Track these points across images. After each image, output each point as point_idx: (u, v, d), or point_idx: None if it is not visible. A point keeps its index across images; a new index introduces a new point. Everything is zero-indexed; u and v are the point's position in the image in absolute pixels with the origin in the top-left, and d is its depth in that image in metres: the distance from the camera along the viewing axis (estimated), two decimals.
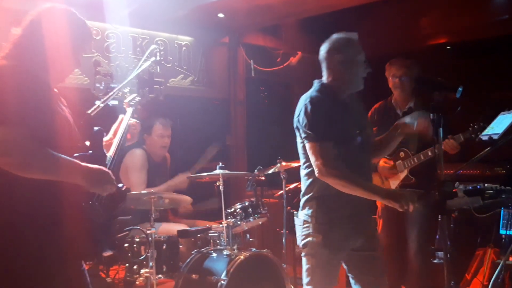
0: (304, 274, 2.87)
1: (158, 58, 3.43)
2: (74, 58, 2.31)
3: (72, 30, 2.27)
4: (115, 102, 3.03)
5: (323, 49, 2.91)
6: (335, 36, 2.91)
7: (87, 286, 2.30)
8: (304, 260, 2.88)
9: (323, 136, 2.72)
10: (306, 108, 2.76)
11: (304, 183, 2.91)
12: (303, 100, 2.83)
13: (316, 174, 2.72)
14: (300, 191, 2.94)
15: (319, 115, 2.74)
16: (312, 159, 2.74)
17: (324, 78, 2.93)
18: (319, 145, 2.72)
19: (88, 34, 2.37)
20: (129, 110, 2.92)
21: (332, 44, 2.89)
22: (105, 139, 2.73)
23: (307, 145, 2.77)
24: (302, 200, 2.91)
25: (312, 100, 2.78)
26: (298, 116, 2.81)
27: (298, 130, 2.83)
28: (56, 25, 2.22)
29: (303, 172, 2.91)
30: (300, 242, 2.88)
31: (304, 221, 2.84)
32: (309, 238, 2.81)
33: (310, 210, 2.83)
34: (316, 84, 2.93)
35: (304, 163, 2.88)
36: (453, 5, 6.13)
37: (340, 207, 2.77)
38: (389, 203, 2.65)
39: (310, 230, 2.81)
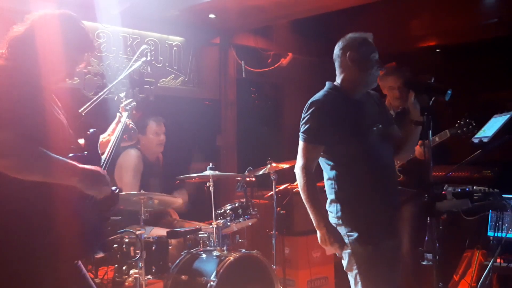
0: (354, 281, 2.77)
1: (148, 58, 3.43)
2: (68, 68, 2.28)
3: (72, 40, 2.24)
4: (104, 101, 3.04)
5: (337, 48, 2.91)
6: (349, 35, 2.90)
7: (84, 280, 2.28)
8: (349, 267, 2.79)
9: (314, 139, 2.79)
10: (307, 109, 2.82)
11: (328, 186, 2.89)
12: (310, 101, 2.85)
13: (295, 169, 2.83)
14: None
15: (316, 119, 2.78)
16: (298, 155, 2.84)
17: (337, 77, 2.93)
18: (306, 146, 2.80)
19: (88, 46, 2.33)
20: (125, 115, 2.92)
21: (346, 43, 2.88)
22: (102, 136, 2.72)
23: (299, 142, 2.84)
24: (328, 202, 2.89)
25: (314, 103, 2.82)
26: (302, 113, 2.85)
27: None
28: (56, 31, 2.19)
29: (326, 175, 2.91)
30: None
31: (335, 224, 2.80)
32: (345, 240, 2.76)
33: (339, 212, 2.80)
34: (327, 85, 2.93)
35: (327, 164, 2.89)
36: (442, 8, 6.17)
37: (366, 204, 2.77)
38: (320, 239, 2.75)
39: (344, 231, 2.77)
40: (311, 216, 2.77)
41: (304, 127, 2.81)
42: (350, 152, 2.79)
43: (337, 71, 2.92)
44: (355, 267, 2.75)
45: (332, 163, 2.84)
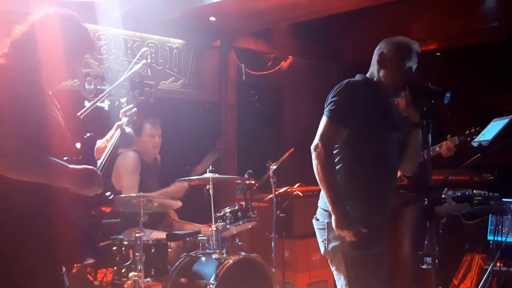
0: (343, 283, 2.71)
1: (149, 60, 3.43)
2: (70, 67, 2.30)
3: (72, 39, 2.25)
4: (104, 104, 3.03)
5: (381, 45, 2.84)
6: (398, 37, 2.85)
7: None
8: (337, 267, 2.73)
9: (341, 119, 2.67)
10: (341, 88, 2.72)
11: None
12: (346, 81, 2.76)
13: (312, 146, 2.68)
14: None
15: (349, 99, 2.69)
16: (318, 131, 2.70)
17: (368, 73, 2.87)
18: (330, 124, 2.67)
19: (88, 45, 2.35)
20: (124, 120, 2.91)
21: (392, 44, 2.82)
22: (100, 141, 2.72)
23: (323, 118, 2.71)
24: (322, 197, 2.79)
25: (350, 83, 2.75)
26: (331, 92, 2.75)
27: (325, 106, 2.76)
28: (57, 31, 2.20)
29: None
30: (326, 247, 2.76)
31: (328, 223, 2.71)
32: (337, 241, 2.70)
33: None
34: (358, 75, 2.87)
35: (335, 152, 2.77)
36: (443, 12, 6.18)
37: (363, 207, 2.70)
38: (335, 224, 2.60)
39: (336, 233, 2.67)
40: (327, 198, 2.63)
41: (331, 105, 2.68)
42: (365, 146, 2.71)
43: (372, 68, 2.86)
44: (344, 270, 2.70)
45: (340, 152, 2.73)
